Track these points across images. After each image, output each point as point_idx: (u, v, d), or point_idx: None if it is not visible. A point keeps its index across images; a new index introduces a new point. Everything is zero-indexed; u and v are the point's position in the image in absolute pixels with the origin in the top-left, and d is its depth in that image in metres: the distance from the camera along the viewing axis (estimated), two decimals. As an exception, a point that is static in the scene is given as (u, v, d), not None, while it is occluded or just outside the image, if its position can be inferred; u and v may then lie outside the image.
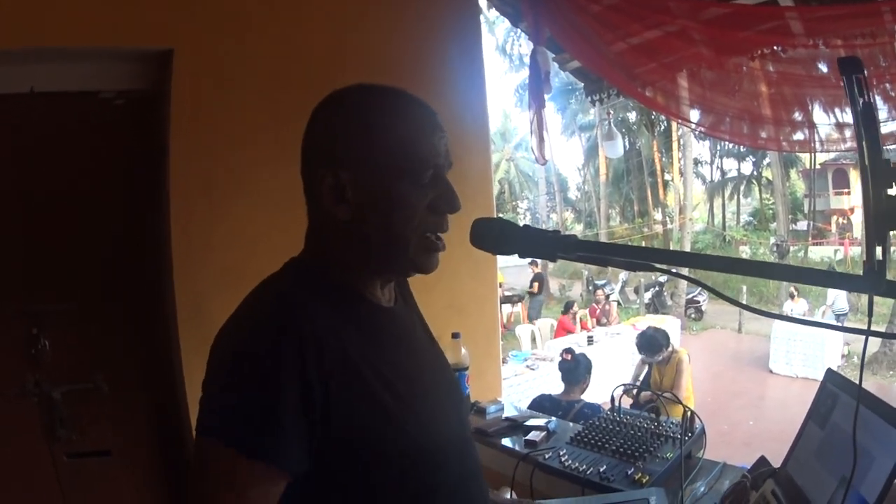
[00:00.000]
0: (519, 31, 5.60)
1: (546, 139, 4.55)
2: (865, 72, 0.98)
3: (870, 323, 1.16)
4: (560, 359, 6.03)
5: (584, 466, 2.52)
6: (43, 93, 3.14)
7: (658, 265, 1.20)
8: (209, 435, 1.19)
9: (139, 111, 3.31)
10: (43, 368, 3.23)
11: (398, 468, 1.28)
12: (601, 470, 2.45)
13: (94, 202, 3.30)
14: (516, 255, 1.34)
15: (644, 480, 2.33)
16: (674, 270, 1.20)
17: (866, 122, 0.98)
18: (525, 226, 1.33)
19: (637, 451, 2.53)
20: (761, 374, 14.14)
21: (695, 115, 5.12)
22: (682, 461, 2.38)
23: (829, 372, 2.03)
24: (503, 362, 11.28)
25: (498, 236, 1.33)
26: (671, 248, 29.45)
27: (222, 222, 3.24)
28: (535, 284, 20.14)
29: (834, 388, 1.92)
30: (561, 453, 2.67)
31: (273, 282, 1.36)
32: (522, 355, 12.30)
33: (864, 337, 1.18)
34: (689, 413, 2.64)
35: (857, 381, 1.63)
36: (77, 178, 3.27)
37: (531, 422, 3.16)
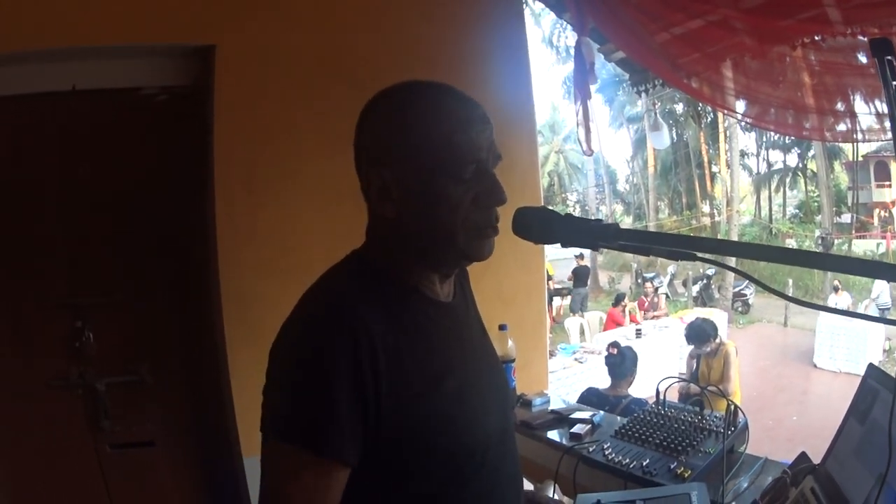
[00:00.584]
0: (565, 22, 5.55)
1: (593, 130, 4.52)
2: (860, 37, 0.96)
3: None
4: (606, 353, 5.99)
5: (628, 460, 2.50)
6: (85, 90, 3.20)
7: (699, 254, 1.19)
8: (275, 436, 1.26)
9: (182, 106, 3.35)
10: (87, 360, 3.29)
11: (439, 462, 1.33)
12: (644, 464, 2.43)
13: (138, 196, 3.34)
14: (559, 246, 1.33)
15: (686, 475, 2.30)
16: (715, 260, 1.17)
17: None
18: (567, 214, 1.33)
19: (680, 446, 2.50)
20: (806, 368, 13.91)
21: (740, 105, 5.06)
22: (724, 456, 2.37)
23: (871, 367, 1.98)
24: (551, 355, 11.31)
25: (540, 225, 1.33)
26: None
27: (266, 213, 3.27)
28: (573, 277, 19.95)
29: (875, 383, 1.87)
30: (605, 447, 2.65)
31: (330, 278, 1.40)
32: (571, 348, 12.32)
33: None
34: (732, 407, 2.61)
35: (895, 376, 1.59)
36: (120, 172, 3.32)
37: (576, 415, 3.13)
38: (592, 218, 1.33)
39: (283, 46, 3.28)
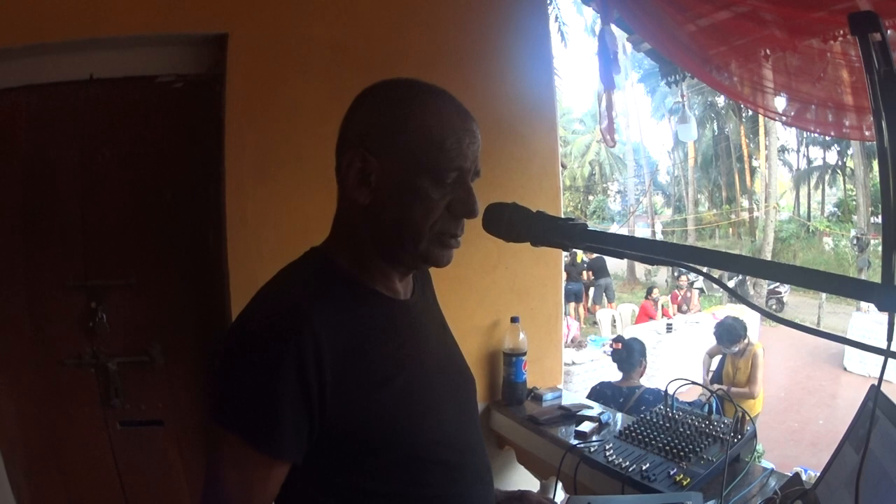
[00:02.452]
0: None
1: (615, 121, 4.47)
2: (888, 31, 0.82)
3: (890, 341, 1.00)
4: (611, 349, 6.00)
5: (628, 463, 2.48)
6: (102, 79, 3.26)
7: (669, 259, 1.17)
8: (219, 422, 1.32)
9: (196, 93, 3.36)
10: (100, 340, 3.35)
11: (387, 462, 1.38)
12: (644, 468, 2.41)
13: (153, 181, 3.38)
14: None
15: (685, 483, 2.27)
16: (680, 263, 1.12)
17: (887, 94, 0.84)
18: (538, 212, 1.33)
19: (683, 451, 2.47)
20: (835, 371, 13.66)
21: (772, 102, 4.96)
22: (726, 467, 2.32)
23: (873, 390, 1.84)
24: (581, 346, 11.32)
25: (510, 222, 1.34)
26: (755, 237, 28.92)
27: (277, 199, 3.27)
28: (588, 272, 19.81)
29: (875, 409, 1.74)
30: (607, 447, 2.64)
31: (287, 276, 1.47)
32: (600, 340, 12.41)
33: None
34: (740, 414, 2.56)
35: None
36: (135, 158, 3.36)
37: (584, 412, 3.12)
38: (562, 217, 1.31)
39: (296, 34, 3.27)
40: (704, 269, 1.14)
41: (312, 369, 1.27)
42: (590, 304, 19.89)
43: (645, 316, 15.33)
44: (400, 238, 1.39)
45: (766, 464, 2.81)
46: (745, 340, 7.31)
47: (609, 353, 9.92)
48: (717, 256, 1.11)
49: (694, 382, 3.04)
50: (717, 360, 8.09)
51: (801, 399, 11.79)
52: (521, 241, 1.33)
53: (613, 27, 4.39)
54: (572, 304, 18.08)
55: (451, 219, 1.40)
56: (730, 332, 7.30)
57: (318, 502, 1.38)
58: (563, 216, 1.38)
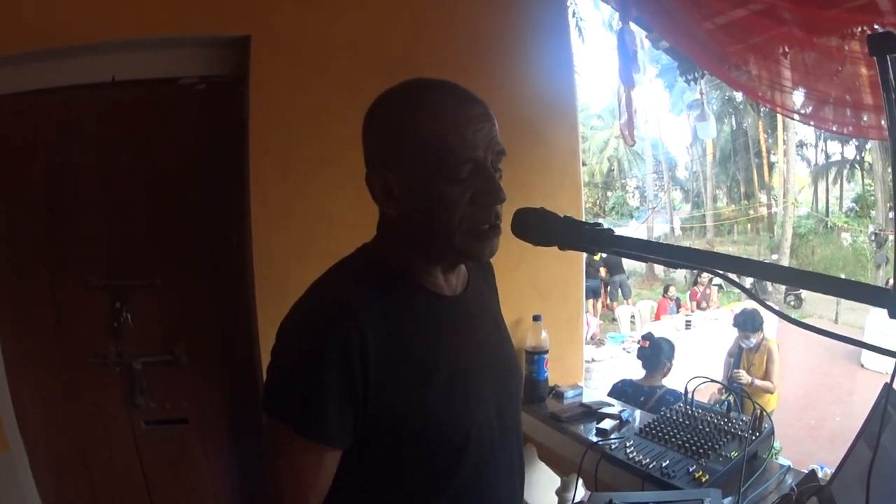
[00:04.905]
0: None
1: (636, 120, 4.48)
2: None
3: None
4: (638, 346, 5.97)
5: (648, 460, 2.50)
6: (124, 81, 3.29)
7: (693, 264, 1.20)
8: (270, 411, 1.37)
9: (219, 95, 3.40)
10: (125, 340, 3.39)
11: (426, 451, 1.40)
12: (664, 465, 2.44)
13: (176, 182, 3.42)
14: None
15: (704, 479, 2.30)
16: (705, 268, 1.15)
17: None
18: (565, 217, 1.33)
19: (702, 448, 2.49)
20: (853, 367, 13.58)
21: (790, 99, 4.94)
22: (744, 464, 2.34)
23: (887, 387, 1.87)
24: (600, 344, 11.30)
25: (538, 227, 1.34)
26: (774, 232, 28.69)
27: (300, 199, 3.30)
28: (604, 268, 19.69)
29: (889, 407, 1.78)
30: (627, 444, 2.67)
31: (337, 271, 1.49)
32: (620, 337, 12.41)
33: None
34: (758, 412, 2.58)
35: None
36: (158, 159, 3.39)
37: (605, 409, 3.15)
38: (589, 221, 1.33)
39: (318, 35, 3.30)
40: (722, 273, 1.17)
41: (357, 361, 1.30)
42: (607, 300, 19.82)
43: (661, 314, 15.30)
44: (433, 241, 1.41)
45: (783, 461, 2.83)
46: (761, 335, 7.31)
47: (634, 350, 9.98)
48: (735, 261, 1.15)
49: (713, 380, 3.06)
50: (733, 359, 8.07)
51: (819, 396, 11.74)
52: (549, 246, 1.33)
53: (632, 25, 4.39)
54: (591, 301, 18.02)
55: (480, 210, 1.39)
56: (753, 319, 7.29)
57: (359, 487, 1.41)
58: (589, 220, 1.37)
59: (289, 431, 1.32)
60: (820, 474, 2.25)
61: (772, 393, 7.18)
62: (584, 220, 1.39)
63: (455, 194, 1.36)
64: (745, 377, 6.96)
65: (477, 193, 1.37)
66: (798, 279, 1.05)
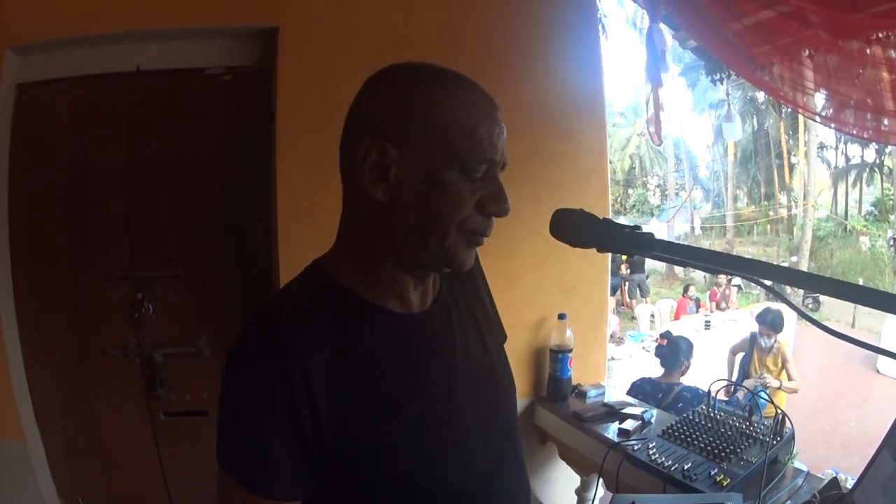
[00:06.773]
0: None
1: (662, 119, 4.46)
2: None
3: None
4: (656, 345, 5.97)
5: (670, 462, 2.50)
6: (149, 70, 3.30)
7: (729, 270, 1.19)
8: (219, 462, 1.21)
9: (246, 86, 3.41)
10: (145, 331, 3.42)
11: (404, 496, 1.25)
12: (685, 468, 2.43)
13: (200, 173, 3.43)
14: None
15: (725, 483, 2.29)
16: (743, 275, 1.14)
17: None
18: (605, 219, 1.26)
19: (724, 452, 2.49)
20: (868, 373, 13.49)
21: (813, 101, 4.92)
22: (765, 468, 2.34)
23: None
24: (620, 342, 11.29)
25: (577, 228, 1.27)
26: (793, 234, 28.57)
27: (327, 191, 3.22)
28: (625, 265, 19.58)
29: None
30: (650, 446, 2.67)
31: (280, 300, 1.37)
32: (639, 336, 12.42)
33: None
34: (780, 416, 2.58)
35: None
36: (183, 150, 3.41)
37: (628, 409, 3.14)
38: (629, 224, 1.27)
39: (346, 27, 3.29)
40: (764, 282, 1.17)
41: (303, 404, 1.15)
42: (626, 298, 19.79)
43: (680, 314, 15.28)
44: (423, 238, 1.22)
45: (800, 465, 2.82)
46: (774, 338, 7.31)
47: (653, 348, 10.00)
48: (773, 270, 1.15)
49: (734, 382, 3.06)
50: (739, 356, 8.03)
51: (834, 400, 11.65)
52: (587, 248, 1.27)
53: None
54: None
55: (482, 217, 1.24)
56: (780, 319, 7.29)
57: None
58: (629, 223, 1.32)
59: (238, 486, 1.17)
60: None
61: (797, 392, 7.19)
62: (606, 217, 1.30)
63: (464, 191, 1.21)
64: (773, 381, 6.95)
65: (484, 199, 1.23)
66: (825, 287, 1.05)
